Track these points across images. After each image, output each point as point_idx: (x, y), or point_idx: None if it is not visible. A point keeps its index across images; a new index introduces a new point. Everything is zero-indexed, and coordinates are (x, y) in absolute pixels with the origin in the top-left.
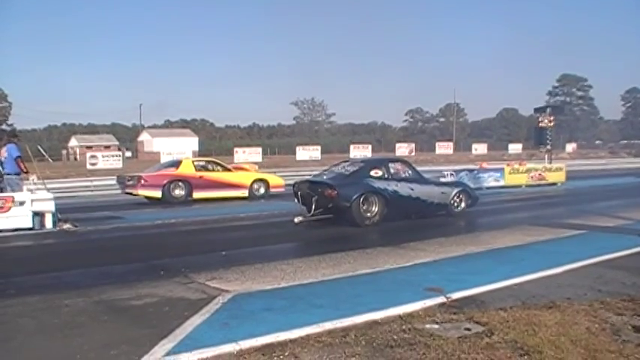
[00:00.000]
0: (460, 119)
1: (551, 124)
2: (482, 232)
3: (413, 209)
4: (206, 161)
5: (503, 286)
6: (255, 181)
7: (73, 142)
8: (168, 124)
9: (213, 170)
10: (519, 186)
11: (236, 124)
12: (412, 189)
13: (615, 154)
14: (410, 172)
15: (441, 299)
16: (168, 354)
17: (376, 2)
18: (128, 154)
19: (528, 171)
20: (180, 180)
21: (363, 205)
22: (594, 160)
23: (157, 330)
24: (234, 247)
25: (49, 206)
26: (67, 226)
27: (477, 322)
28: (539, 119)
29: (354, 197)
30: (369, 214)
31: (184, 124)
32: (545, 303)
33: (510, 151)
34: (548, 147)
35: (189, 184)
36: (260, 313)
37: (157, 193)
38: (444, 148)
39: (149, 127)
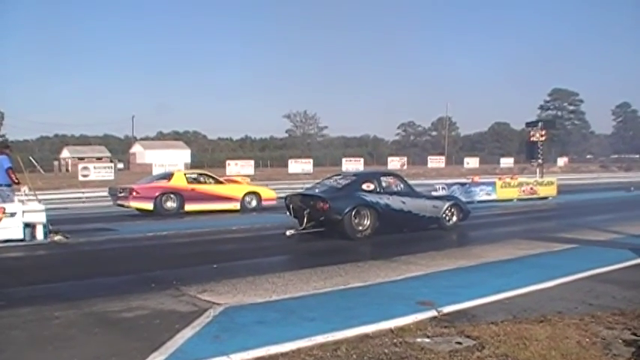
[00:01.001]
0: (452, 133)
1: (543, 138)
2: (473, 245)
3: (405, 223)
4: (198, 174)
5: (494, 299)
6: (247, 193)
7: (65, 153)
8: (161, 136)
9: (205, 183)
10: (511, 200)
11: (228, 137)
12: (404, 202)
13: (606, 168)
14: (402, 185)
15: (432, 313)
16: None
17: (369, 16)
18: (120, 165)
19: (520, 185)
20: (172, 192)
21: (355, 218)
22: (585, 174)
23: (147, 343)
24: (225, 259)
25: (41, 217)
26: (58, 237)
27: (468, 336)
28: (531, 133)
29: (346, 211)
30: (360, 228)
31: (177, 136)
32: (537, 317)
33: (502, 165)
34: (540, 161)
35: (181, 196)
36: (251, 326)
37: (149, 206)
38: (436, 161)
39: (141, 139)
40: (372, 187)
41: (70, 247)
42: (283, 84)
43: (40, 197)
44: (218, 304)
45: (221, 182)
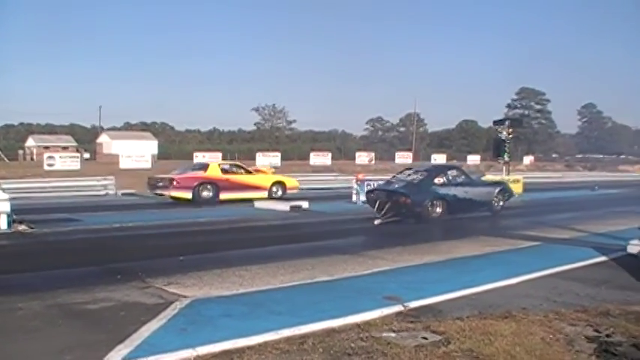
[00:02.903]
0: (420, 129)
1: (510, 136)
2: (440, 241)
3: (466, 207)
4: (230, 164)
5: (460, 295)
6: (274, 183)
7: (30, 142)
8: (128, 127)
9: (237, 173)
10: None
11: (196, 129)
12: (466, 192)
13: (571, 167)
14: (463, 177)
15: (398, 308)
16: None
17: (339, 10)
18: (86, 155)
19: None
20: (208, 182)
21: (431, 208)
22: (551, 173)
23: (113, 335)
24: (192, 252)
25: (4, 207)
26: (22, 227)
27: (433, 331)
28: (498, 131)
29: (425, 203)
30: (434, 215)
31: (144, 127)
32: (502, 313)
33: (469, 162)
34: (507, 159)
35: (217, 186)
36: (218, 319)
37: (188, 195)
38: (404, 157)
39: (108, 129)
40: (441, 180)
41: (35, 237)
42: (252, 77)
43: (3, 186)
44: (185, 296)
45: (251, 172)
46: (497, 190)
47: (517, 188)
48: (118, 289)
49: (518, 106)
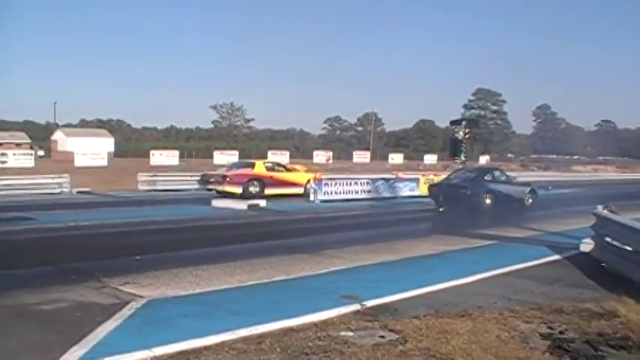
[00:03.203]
0: (377, 129)
1: (467, 136)
2: (397, 240)
3: (507, 202)
4: (273, 163)
5: (417, 294)
6: (309, 180)
7: None
8: (84, 124)
9: (279, 171)
10: None
11: (153, 126)
12: (507, 188)
13: (526, 167)
14: (505, 176)
15: (356, 307)
16: None
17: (298, 11)
18: (41, 152)
19: None
20: (256, 179)
21: (483, 199)
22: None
23: (67, 336)
24: (148, 251)
25: None
26: None
27: (391, 330)
28: (455, 131)
29: (480, 195)
30: (484, 205)
31: (100, 124)
32: (458, 311)
33: (426, 162)
34: (463, 158)
35: (263, 182)
36: (175, 319)
37: (239, 190)
38: (361, 156)
39: (63, 126)
40: (490, 178)
41: None
42: (211, 74)
43: None
44: (141, 296)
45: (289, 170)
46: (528, 190)
47: None
48: (73, 289)
49: (475, 106)
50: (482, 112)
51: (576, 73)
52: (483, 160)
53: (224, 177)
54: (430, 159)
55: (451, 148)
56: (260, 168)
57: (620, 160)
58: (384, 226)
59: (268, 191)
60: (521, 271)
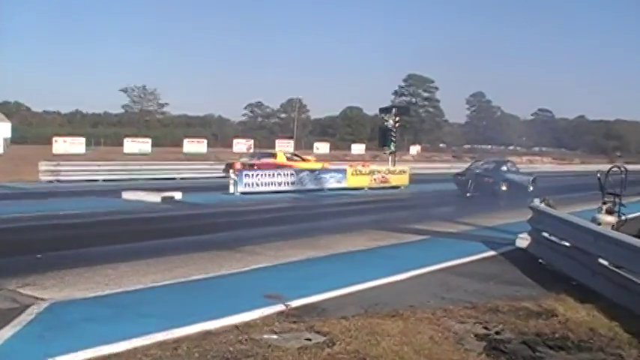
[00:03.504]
0: (302, 116)
1: (397, 124)
2: (322, 235)
3: (515, 189)
4: (291, 153)
5: (345, 293)
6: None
7: None
8: None
9: (297, 160)
10: (362, 188)
11: (56, 110)
12: (517, 177)
13: (459, 158)
14: (515, 167)
15: (280, 307)
16: None
17: None
18: None
19: (371, 173)
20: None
21: (502, 186)
22: (439, 164)
23: None
24: (51, 248)
25: None
26: None
27: (317, 332)
28: (384, 119)
29: (501, 182)
30: (501, 191)
31: None
32: (389, 311)
33: (353, 152)
34: (393, 149)
35: None
36: (80, 323)
37: None
38: (285, 145)
39: None
40: (505, 168)
41: None
42: (120, 56)
43: None
44: (42, 299)
45: (304, 160)
46: (531, 179)
47: (403, 180)
48: None
49: (406, 93)
50: (414, 100)
51: (513, 60)
52: (414, 150)
53: (251, 165)
54: (358, 148)
55: (380, 138)
56: (282, 157)
57: (556, 152)
58: (308, 220)
59: None
60: (454, 268)
